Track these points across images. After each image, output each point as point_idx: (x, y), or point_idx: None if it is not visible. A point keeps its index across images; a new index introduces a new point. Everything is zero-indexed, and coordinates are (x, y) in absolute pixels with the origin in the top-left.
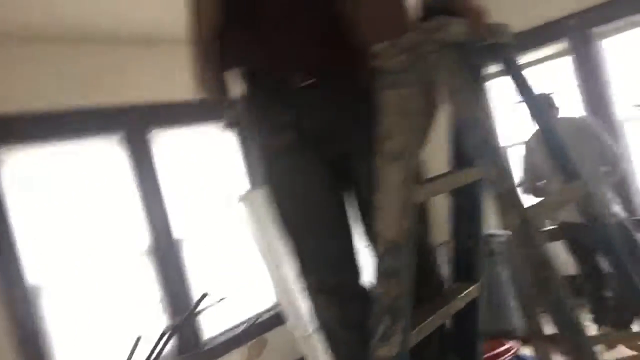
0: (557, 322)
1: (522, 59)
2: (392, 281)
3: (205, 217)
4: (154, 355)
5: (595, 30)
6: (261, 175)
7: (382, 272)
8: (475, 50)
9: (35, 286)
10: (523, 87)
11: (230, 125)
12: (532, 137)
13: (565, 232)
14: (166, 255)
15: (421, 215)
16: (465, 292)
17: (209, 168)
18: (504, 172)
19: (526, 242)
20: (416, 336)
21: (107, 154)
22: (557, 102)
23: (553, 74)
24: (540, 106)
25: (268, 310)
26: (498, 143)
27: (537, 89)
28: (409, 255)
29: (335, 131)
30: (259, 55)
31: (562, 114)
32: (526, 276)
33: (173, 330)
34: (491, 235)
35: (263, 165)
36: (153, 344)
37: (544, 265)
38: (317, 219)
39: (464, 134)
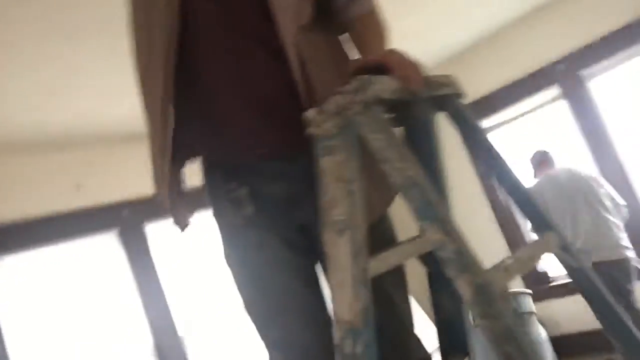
0: None
1: (518, 109)
2: None
3: (209, 308)
4: None
5: (584, 72)
6: (223, 256)
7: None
8: (417, 105)
9: None
10: (474, 139)
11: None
12: (541, 182)
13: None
14: (171, 354)
15: (396, 281)
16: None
17: (209, 254)
18: (450, 233)
19: (484, 311)
20: None
21: (103, 252)
22: (553, 156)
23: (551, 119)
24: (497, 161)
25: None
26: (441, 202)
27: (535, 146)
28: (369, 337)
29: (294, 200)
30: (215, 145)
31: (560, 164)
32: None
33: None
34: (526, 294)
35: (223, 244)
36: None
37: (507, 337)
38: (282, 307)
39: (404, 197)
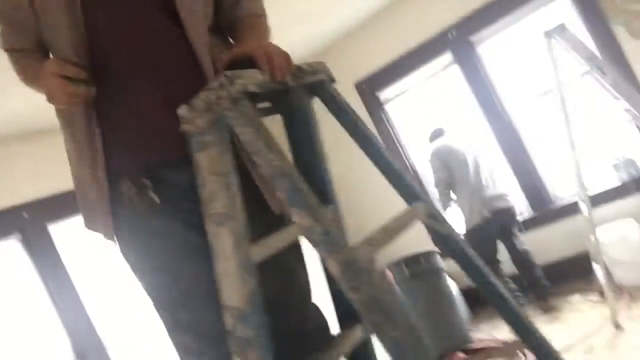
0: None
1: (414, 76)
2: (249, 352)
3: (128, 306)
4: None
5: (473, 37)
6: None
7: (237, 344)
8: (292, 93)
9: None
10: (347, 122)
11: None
12: (439, 148)
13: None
14: (92, 356)
15: (296, 256)
16: (348, 336)
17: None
18: (318, 218)
19: (352, 285)
20: None
21: (7, 257)
22: (446, 131)
23: (448, 84)
24: (368, 138)
25: None
26: (307, 188)
27: (435, 112)
28: (259, 320)
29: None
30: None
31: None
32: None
33: None
34: (435, 253)
35: (122, 234)
36: None
37: (374, 307)
38: (193, 291)
39: (274, 187)
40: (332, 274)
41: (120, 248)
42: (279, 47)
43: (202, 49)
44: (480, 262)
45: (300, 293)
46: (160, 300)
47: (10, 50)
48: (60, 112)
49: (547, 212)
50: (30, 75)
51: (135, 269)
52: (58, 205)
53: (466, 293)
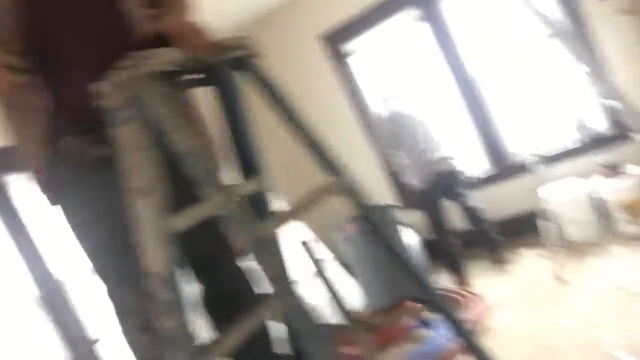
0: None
1: (379, 30)
2: (169, 314)
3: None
4: None
5: None
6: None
7: (159, 306)
8: (218, 68)
9: None
10: (269, 97)
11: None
12: (383, 121)
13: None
14: (55, 299)
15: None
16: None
17: None
18: (228, 196)
19: (259, 258)
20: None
21: None
22: (398, 95)
23: (415, 37)
24: (292, 113)
25: None
26: (218, 169)
27: (399, 64)
28: (178, 284)
29: None
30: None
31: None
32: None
33: None
34: (392, 206)
35: (63, 186)
36: None
37: (279, 277)
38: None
39: (186, 167)
40: (243, 249)
41: (61, 204)
42: (196, 24)
43: (137, 25)
44: (390, 237)
45: (230, 255)
46: (102, 251)
47: None
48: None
49: (505, 169)
50: None
51: (77, 220)
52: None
53: (428, 245)
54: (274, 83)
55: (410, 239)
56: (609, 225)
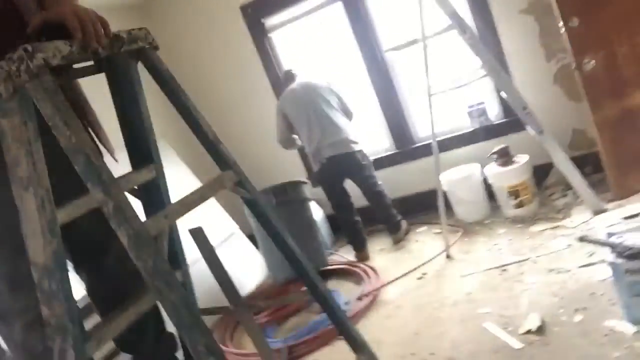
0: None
1: (299, 10)
2: (54, 303)
3: None
4: None
5: None
6: None
7: (44, 296)
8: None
9: None
10: (166, 87)
11: None
12: (283, 98)
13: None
14: None
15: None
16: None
17: None
18: (110, 193)
19: (138, 255)
20: (97, 344)
21: None
22: (297, 72)
23: (329, 20)
24: (187, 107)
25: None
26: (102, 164)
27: (316, 45)
28: (62, 276)
29: None
30: None
31: (300, 78)
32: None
33: None
34: (301, 183)
35: None
36: None
37: (156, 275)
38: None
39: (72, 161)
40: (123, 243)
41: None
42: (93, 12)
43: (28, 14)
44: (278, 226)
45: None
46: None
47: None
48: None
49: (407, 151)
50: None
51: None
52: None
53: (331, 219)
54: (171, 77)
55: (316, 213)
56: (497, 208)
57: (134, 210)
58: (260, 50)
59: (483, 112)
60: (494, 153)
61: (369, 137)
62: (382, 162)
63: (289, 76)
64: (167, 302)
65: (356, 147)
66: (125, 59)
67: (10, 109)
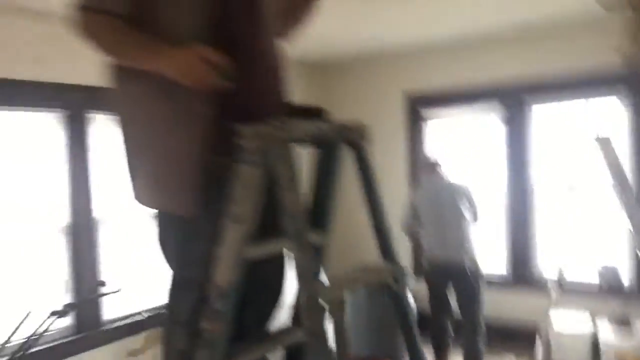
0: None
1: (457, 113)
2: (216, 321)
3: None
4: (39, 332)
5: (527, 97)
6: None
7: (210, 312)
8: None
9: None
10: (367, 180)
11: None
12: (419, 189)
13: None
14: (82, 234)
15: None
16: (289, 334)
17: None
18: (303, 251)
19: (309, 315)
20: None
21: (47, 128)
22: (439, 165)
23: (486, 129)
24: (375, 196)
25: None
26: (305, 225)
27: (427, 152)
28: (232, 301)
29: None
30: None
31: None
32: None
33: (61, 311)
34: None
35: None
36: (40, 323)
37: (322, 337)
38: None
39: (284, 215)
40: (299, 297)
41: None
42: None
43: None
44: (413, 329)
45: (276, 289)
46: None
47: (114, 14)
48: (163, 80)
49: (522, 277)
50: (130, 43)
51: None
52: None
53: (421, 316)
54: (371, 170)
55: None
56: None
57: (318, 276)
58: (410, 133)
59: (615, 275)
60: (612, 313)
61: (485, 251)
62: (492, 282)
63: (430, 167)
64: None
65: (470, 257)
66: (341, 143)
67: (252, 160)
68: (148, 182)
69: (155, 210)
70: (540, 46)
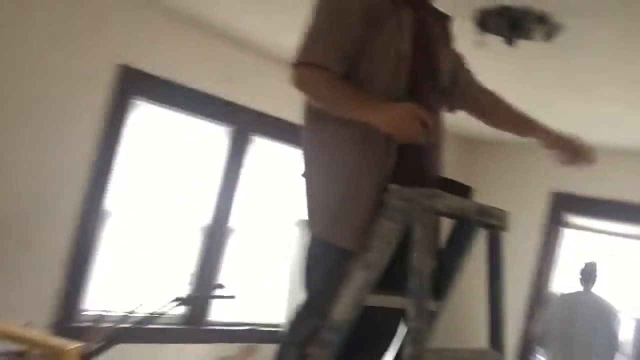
0: None
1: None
2: (323, 350)
3: (263, 218)
4: (158, 313)
5: None
6: None
7: (319, 341)
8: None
9: (106, 210)
10: (495, 265)
11: None
12: (557, 303)
13: None
14: (215, 237)
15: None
16: None
17: (287, 184)
18: (420, 313)
19: None
20: None
21: (216, 139)
22: (597, 276)
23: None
24: (498, 283)
25: (274, 325)
26: (427, 289)
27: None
28: (341, 337)
29: None
30: None
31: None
32: None
33: (184, 300)
34: None
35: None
36: (162, 305)
37: None
38: None
39: (410, 274)
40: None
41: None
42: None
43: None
44: None
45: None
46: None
47: (330, 69)
48: (363, 126)
49: None
50: (348, 97)
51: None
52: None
53: None
54: (502, 256)
55: None
56: None
57: (428, 337)
58: (547, 234)
59: None
60: None
61: None
62: None
63: (590, 277)
64: None
65: None
66: (478, 225)
67: (394, 217)
68: (325, 216)
69: (313, 239)
70: None
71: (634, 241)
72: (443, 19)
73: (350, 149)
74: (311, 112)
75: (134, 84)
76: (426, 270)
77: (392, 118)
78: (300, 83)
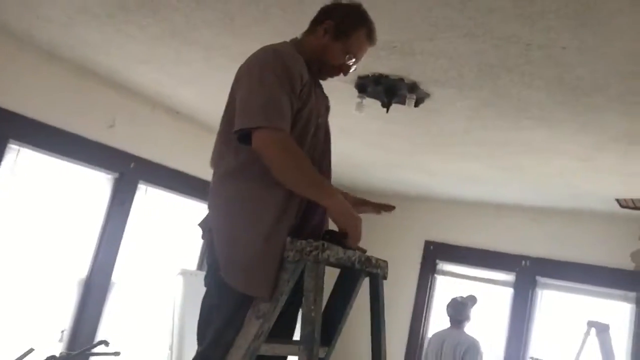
0: None
1: (474, 273)
2: None
3: (144, 272)
4: None
5: (540, 279)
6: None
7: None
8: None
9: None
10: (376, 309)
11: None
12: (431, 340)
13: None
14: (93, 291)
15: None
16: None
17: (172, 232)
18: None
19: None
20: None
21: (98, 187)
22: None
23: (493, 295)
24: (379, 325)
25: None
26: (318, 336)
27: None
28: None
29: None
30: None
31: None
32: None
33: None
34: None
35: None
36: None
37: None
38: None
39: (302, 324)
40: None
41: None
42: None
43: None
44: None
45: None
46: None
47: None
48: (286, 189)
49: None
50: (306, 170)
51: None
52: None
53: None
54: (382, 302)
55: None
56: None
57: None
58: (421, 281)
59: None
60: None
61: None
62: None
63: (458, 318)
64: None
65: None
66: (363, 274)
67: (289, 268)
68: (234, 266)
69: (212, 289)
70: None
71: (496, 286)
72: (326, 98)
73: (272, 208)
74: (229, 167)
75: (9, 127)
76: (317, 319)
77: (344, 209)
78: (266, 144)
